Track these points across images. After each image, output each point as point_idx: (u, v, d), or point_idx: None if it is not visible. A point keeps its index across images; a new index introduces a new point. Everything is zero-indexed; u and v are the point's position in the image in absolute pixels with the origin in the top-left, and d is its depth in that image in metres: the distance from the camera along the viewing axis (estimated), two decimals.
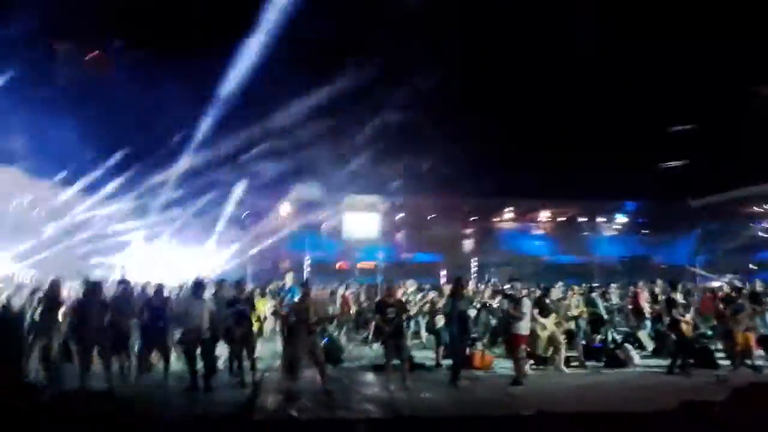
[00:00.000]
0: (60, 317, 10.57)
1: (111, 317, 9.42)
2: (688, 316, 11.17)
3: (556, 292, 13.60)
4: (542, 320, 10.88)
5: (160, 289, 10.35)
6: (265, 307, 12.57)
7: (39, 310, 10.45)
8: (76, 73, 22.38)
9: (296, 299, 10.19)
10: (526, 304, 10.20)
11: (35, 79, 19.97)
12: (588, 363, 11.54)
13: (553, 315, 11.22)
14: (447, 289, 13.90)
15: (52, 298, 10.43)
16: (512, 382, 9.65)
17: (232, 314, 9.84)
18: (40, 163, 19.96)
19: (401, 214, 41.80)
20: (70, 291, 11.98)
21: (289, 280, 16.45)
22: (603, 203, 44.34)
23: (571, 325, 11.68)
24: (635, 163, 34.30)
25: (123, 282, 10.83)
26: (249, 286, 12.92)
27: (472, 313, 13.95)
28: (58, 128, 19.49)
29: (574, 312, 11.91)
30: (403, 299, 11.93)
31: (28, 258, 18.51)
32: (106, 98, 21.66)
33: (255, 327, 10.74)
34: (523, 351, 10.11)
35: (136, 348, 10.01)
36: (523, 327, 10.03)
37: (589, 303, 12.81)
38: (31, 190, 21.35)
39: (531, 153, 31.79)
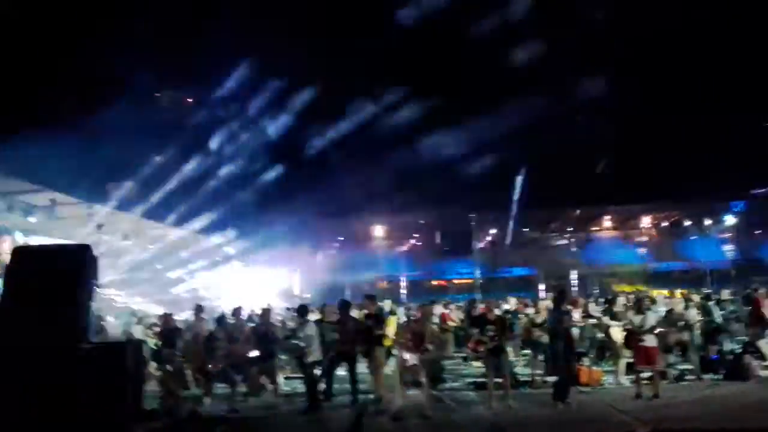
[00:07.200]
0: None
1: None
2: None
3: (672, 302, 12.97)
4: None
5: (265, 314, 10.80)
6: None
7: (157, 341, 11.13)
8: None
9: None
10: (651, 316, 10.08)
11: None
12: (705, 376, 10.90)
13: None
14: (544, 303, 13.55)
15: (169, 329, 11.09)
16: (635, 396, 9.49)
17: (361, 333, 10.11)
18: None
19: (494, 230, 41.13)
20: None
21: (386, 305, 16.63)
22: (709, 204, 41.67)
23: (684, 335, 11.11)
24: (742, 158, 31.81)
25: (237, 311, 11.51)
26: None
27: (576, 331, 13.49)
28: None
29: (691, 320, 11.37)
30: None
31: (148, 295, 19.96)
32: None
33: None
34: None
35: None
36: (651, 338, 9.89)
37: (705, 311, 12.10)
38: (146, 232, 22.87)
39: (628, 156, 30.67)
